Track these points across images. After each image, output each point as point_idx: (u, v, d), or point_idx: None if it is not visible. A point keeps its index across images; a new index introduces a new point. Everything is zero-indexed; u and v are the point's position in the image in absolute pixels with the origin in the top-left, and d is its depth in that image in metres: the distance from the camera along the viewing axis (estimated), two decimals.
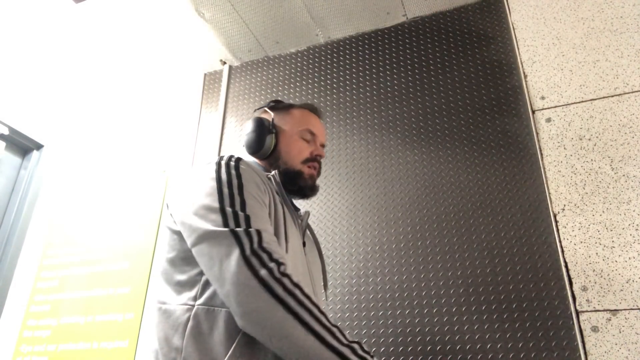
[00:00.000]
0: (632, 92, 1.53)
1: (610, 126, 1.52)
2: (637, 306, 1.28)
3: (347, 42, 2.13)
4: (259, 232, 0.81)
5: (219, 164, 0.92)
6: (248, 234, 0.80)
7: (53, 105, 2.56)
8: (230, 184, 0.87)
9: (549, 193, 1.50)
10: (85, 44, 2.20)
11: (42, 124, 2.50)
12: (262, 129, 1.11)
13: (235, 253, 0.77)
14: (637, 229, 1.37)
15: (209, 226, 0.81)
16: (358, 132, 1.91)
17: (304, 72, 2.15)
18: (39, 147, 2.50)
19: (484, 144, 1.68)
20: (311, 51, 2.19)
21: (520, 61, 1.74)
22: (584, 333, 1.30)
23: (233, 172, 0.90)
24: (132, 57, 2.29)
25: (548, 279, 1.41)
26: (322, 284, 1.18)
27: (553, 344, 1.33)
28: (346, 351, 0.74)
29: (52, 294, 2.09)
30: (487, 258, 1.51)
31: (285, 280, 0.76)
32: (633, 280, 1.31)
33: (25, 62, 2.28)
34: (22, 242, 2.29)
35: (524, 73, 1.72)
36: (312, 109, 1.21)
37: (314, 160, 1.13)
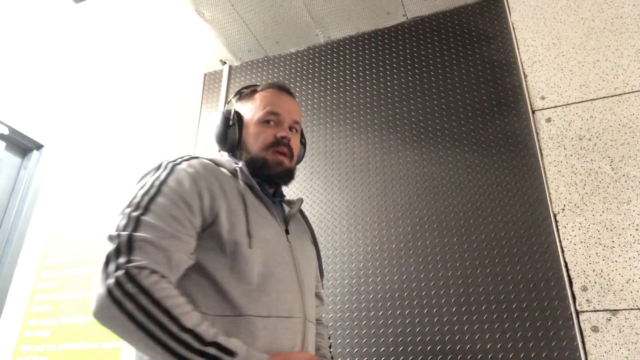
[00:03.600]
0: (632, 92, 1.53)
1: (610, 126, 1.52)
2: (637, 306, 1.28)
3: (347, 42, 2.13)
4: (130, 237, 0.77)
5: (159, 165, 0.91)
6: (119, 237, 0.77)
7: (53, 105, 2.56)
8: (152, 184, 0.86)
9: (549, 193, 1.50)
10: (86, 44, 2.20)
11: (42, 124, 2.51)
12: (224, 122, 1.07)
13: (105, 260, 0.76)
14: (637, 229, 1.37)
15: (109, 232, 0.81)
16: (358, 132, 1.91)
17: (304, 72, 2.15)
18: (39, 147, 2.50)
19: (484, 144, 1.68)
20: (311, 51, 2.19)
21: (520, 61, 1.74)
22: (584, 333, 1.30)
23: (164, 172, 0.89)
24: (132, 57, 2.29)
25: (548, 279, 1.41)
26: (318, 272, 1.15)
27: (553, 344, 1.33)
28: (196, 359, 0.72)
29: (52, 294, 2.09)
30: (487, 258, 1.50)
31: (129, 287, 0.72)
32: (633, 280, 1.31)
33: (26, 62, 2.28)
34: (22, 242, 2.29)
35: (524, 73, 1.72)
36: (277, 87, 1.13)
37: (279, 143, 1.03)
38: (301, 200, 1.12)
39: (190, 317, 0.74)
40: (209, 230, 0.87)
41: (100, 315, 0.73)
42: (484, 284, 1.47)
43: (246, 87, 1.16)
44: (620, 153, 1.47)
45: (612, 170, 1.46)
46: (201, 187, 0.88)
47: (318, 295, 1.17)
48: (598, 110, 1.55)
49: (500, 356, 1.37)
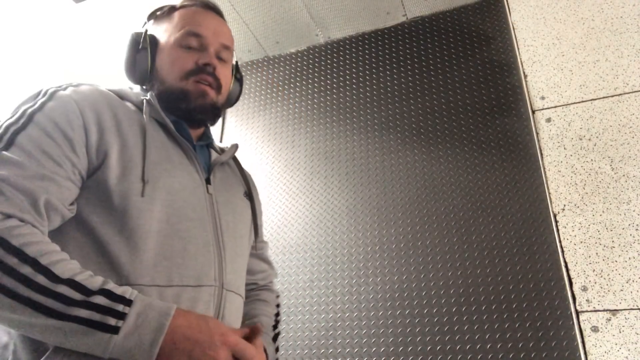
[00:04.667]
0: (632, 92, 1.53)
1: (610, 126, 1.52)
2: (637, 306, 1.28)
3: (347, 42, 2.13)
4: None
5: (37, 92, 0.73)
6: None
7: None
8: (24, 112, 0.68)
9: (549, 193, 1.50)
10: (86, 44, 2.20)
11: None
12: (133, 46, 0.87)
13: None
14: (637, 229, 1.37)
15: None
16: (358, 132, 1.91)
17: (304, 72, 2.15)
18: None
19: (484, 144, 1.68)
20: (311, 51, 2.19)
21: (520, 61, 1.74)
22: (584, 333, 1.30)
23: (42, 99, 0.71)
24: None
25: (548, 279, 1.41)
26: (255, 232, 0.95)
27: (553, 344, 1.33)
28: (82, 313, 0.56)
29: None
30: (487, 258, 1.51)
31: None
32: (633, 280, 1.31)
33: (26, 61, 2.28)
34: None
35: (524, 73, 1.72)
36: (201, 3, 0.92)
37: (201, 71, 0.84)
38: (236, 147, 0.96)
39: (65, 265, 0.59)
40: (94, 176, 0.69)
41: None
42: (484, 284, 1.47)
43: (164, 7, 0.94)
44: (620, 153, 1.47)
45: (612, 170, 1.46)
46: (88, 119, 0.71)
47: (263, 258, 1.02)
48: (598, 110, 1.55)
49: (500, 356, 1.37)
